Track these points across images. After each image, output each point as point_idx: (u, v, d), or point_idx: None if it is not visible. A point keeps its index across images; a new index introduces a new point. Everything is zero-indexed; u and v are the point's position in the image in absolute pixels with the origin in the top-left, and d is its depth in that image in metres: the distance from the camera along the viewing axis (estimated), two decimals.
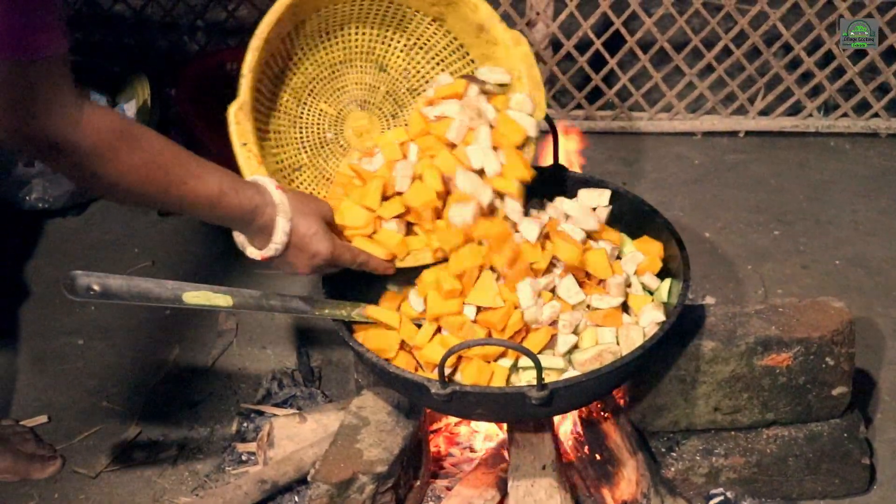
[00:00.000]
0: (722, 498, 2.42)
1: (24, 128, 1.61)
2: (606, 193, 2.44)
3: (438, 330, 2.18)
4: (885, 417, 2.73)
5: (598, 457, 2.40)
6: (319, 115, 2.39)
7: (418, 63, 2.46)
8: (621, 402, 2.45)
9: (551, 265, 2.22)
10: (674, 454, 2.42)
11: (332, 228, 2.13)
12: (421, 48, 2.45)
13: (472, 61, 2.42)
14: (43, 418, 2.76)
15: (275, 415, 2.68)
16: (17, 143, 1.64)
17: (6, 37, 1.54)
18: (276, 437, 2.50)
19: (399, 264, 2.26)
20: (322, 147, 2.41)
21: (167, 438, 2.71)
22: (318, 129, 2.40)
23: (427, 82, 2.46)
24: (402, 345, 2.20)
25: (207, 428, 2.73)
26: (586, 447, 2.45)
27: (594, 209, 2.42)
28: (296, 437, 2.50)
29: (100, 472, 2.61)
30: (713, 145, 4.04)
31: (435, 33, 2.42)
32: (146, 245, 3.49)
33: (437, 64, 2.46)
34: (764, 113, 4.09)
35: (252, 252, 2.03)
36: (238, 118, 2.12)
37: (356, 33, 2.38)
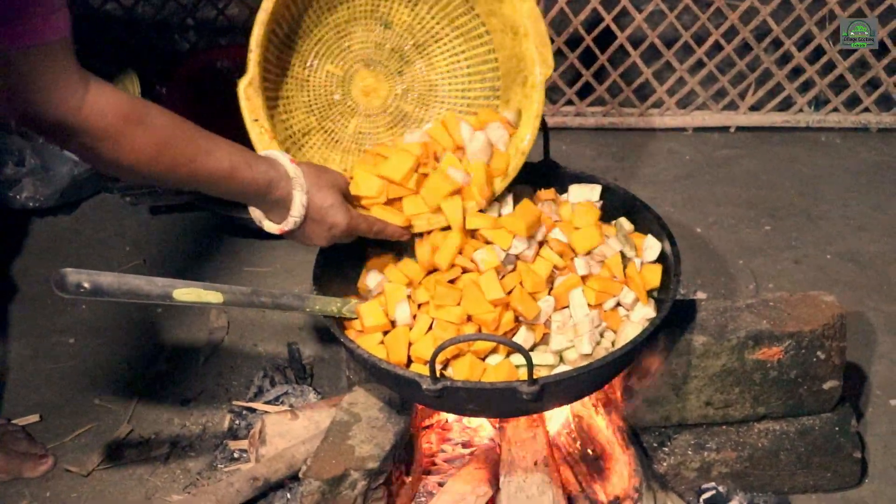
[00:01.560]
0: (714, 492, 2.42)
1: (28, 111, 1.64)
2: (597, 189, 2.44)
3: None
4: (876, 411, 2.73)
5: (589, 452, 2.40)
6: (326, 76, 2.39)
7: (423, 18, 2.44)
8: (613, 397, 2.45)
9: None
10: (665, 449, 2.42)
11: (348, 199, 2.16)
12: (426, 3, 2.44)
13: (478, 16, 2.42)
14: (35, 417, 2.76)
15: (266, 412, 2.68)
16: (24, 125, 1.68)
17: (5, 22, 1.55)
18: (268, 434, 2.50)
19: (415, 230, 2.29)
20: (330, 108, 2.41)
21: (159, 436, 2.71)
22: (326, 90, 2.40)
23: (433, 37, 2.47)
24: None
25: (199, 426, 2.73)
26: (578, 442, 2.45)
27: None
28: (287, 434, 2.50)
29: (92, 471, 2.60)
30: (704, 141, 4.04)
31: None
32: (137, 243, 3.48)
33: (442, 18, 2.45)
34: (755, 108, 4.09)
35: (270, 226, 2.07)
36: (248, 94, 2.14)
37: None
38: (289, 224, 2.04)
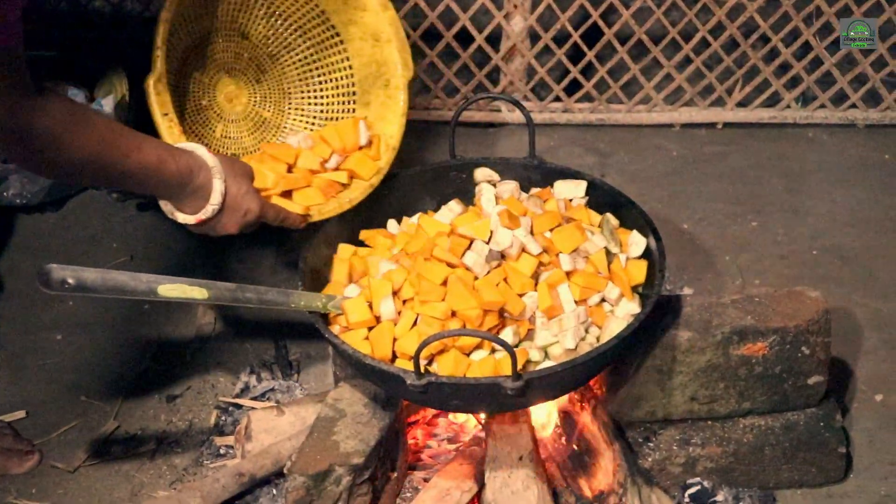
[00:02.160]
0: (699, 487, 2.43)
1: None
2: (582, 184, 2.44)
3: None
4: (861, 406, 2.74)
5: (574, 447, 2.41)
6: (194, 82, 2.51)
7: (277, 30, 2.62)
8: (598, 392, 2.45)
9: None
10: (651, 444, 2.42)
11: None
12: (280, 16, 2.60)
13: (333, 26, 2.60)
14: (21, 413, 2.75)
15: (253, 408, 2.68)
16: None
17: None
18: (254, 430, 2.50)
19: (311, 219, 2.39)
20: (198, 113, 2.53)
21: (145, 432, 2.70)
22: (195, 96, 2.51)
23: (285, 48, 2.64)
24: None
25: (185, 422, 2.73)
26: (563, 438, 2.45)
27: (570, 200, 2.43)
28: (273, 430, 2.50)
29: (78, 467, 2.60)
30: (691, 137, 4.04)
31: (296, 1, 2.58)
32: (124, 240, 3.47)
33: (297, 30, 2.63)
34: (742, 104, 4.09)
35: (184, 218, 2.13)
36: (157, 89, 2.23)
37: (222, 3, 2.50)
38: (207, 212, 2.11)
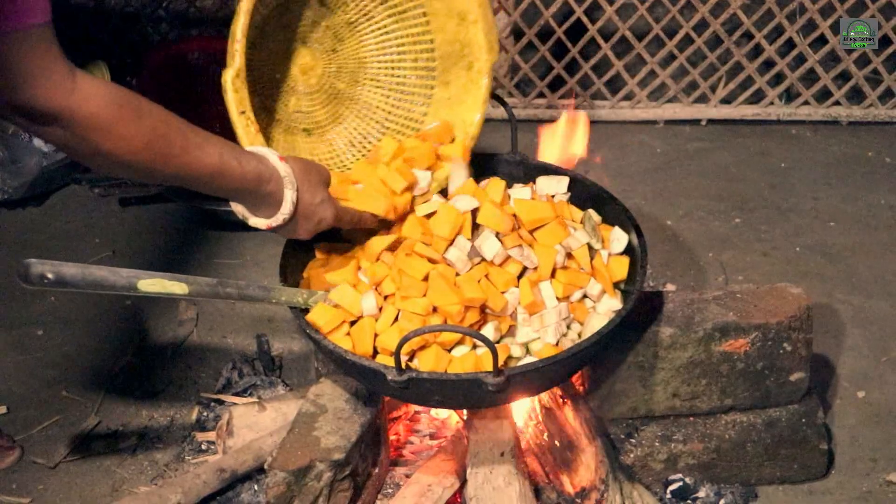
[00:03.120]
0: (681, 483, 2.43)
1: (12, 98, 1.61)
2: (565, 181, 2.44)
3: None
4: (843, 403, 2.74)
5: (556, 443, 2.40)
6: (269, 55, 2.36)
7: None
8: (580, 388, 2.45)
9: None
10: (633, 440, 2.42)
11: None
12: None
13: None
14: (1, 408, 2.75)
15: (234, 403, 2.68)
16: (8, 114, 1.64)
17: None
18: (236, 425, 2.49)
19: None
20: (271, 87, 2.40)
21: (126, 428, 2.70)
22: (269, 69, 2.38)
23: (364, 15, 2.46)
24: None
25: (167, 417, 2.73)
26: (545, 434, 2.45)
27: (553, 196, 2.42)
28: (255, 425, 2.50)
29: (58, 462, 2.60)
30: (675, 133, 4.05)
31: None
32: (106, 236, 3.47)
33: None
34: (726, 101, 4.10)
35: (256, 222, 2.04)
36: (235, 85, 2.08)
37: None
38: (277, 220, 2.02)
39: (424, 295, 2.13)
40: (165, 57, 3.76)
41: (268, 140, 2.29)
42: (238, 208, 2.04)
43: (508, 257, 2.20)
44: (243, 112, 2.09)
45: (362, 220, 2.23)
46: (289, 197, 2.00)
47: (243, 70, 2.09)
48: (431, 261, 2.19)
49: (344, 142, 2.49)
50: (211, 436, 2.63)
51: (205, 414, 2.71)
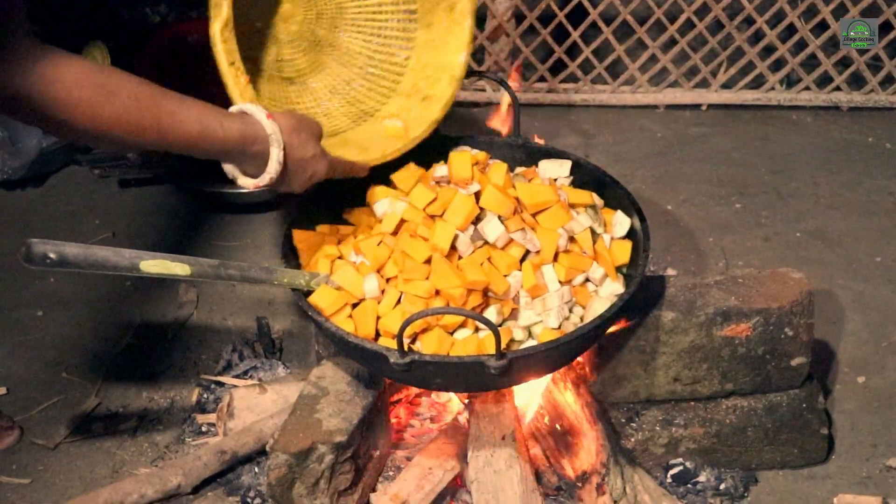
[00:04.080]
0: (681, 468, 2.43)
1: None
2: (567, 164, 2.44)
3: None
4: (843, 388, 2.74)
5: (557, 427, 2.41)
6: (251, 3, 2.33)
7: None
8: (581, 372, 2.45)
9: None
10: (633, 425, 2.42)
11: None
12: None
13: None
14: (2, 389, 2.75)
15: (235, 386, 2.67)
16: None
17: None
18: (236, 407, 2.49)
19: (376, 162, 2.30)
20: (253, 37, 2.38)
21: (127, 410, 2.70)
22: (250, 19, 2.35)
23: None
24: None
25: (167, 399, 2.73)
26: (546, 418, 2.45)
27: (555, 180, 2.42)
28: (256, 407, 2.50)
29: (59, 444, 2.60)
30: (676, 118, 4.05)
31: None
32: (106, 217, 3.46)
33: None
34: (726, 86, 4.09)
35: (244, 181, 2.03)
36: (224, 36, 2.06)
37: None
38: (264, 180, 2.01)
39: (427, 278, 2.13)
40: (165, 38, 3.74)
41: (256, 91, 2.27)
42: (228, 168, 2.03)
43: (511, 240, 2.19)
44: (233, 63, 2.08)
45: (353, 168, 2.25)
46: (275, 156, 1.99)
47: (231, 20, 2.06)
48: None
49: (326, 89, 2.49)
50: (211, 418, 2.63)
51: (205, 396, 2.70)
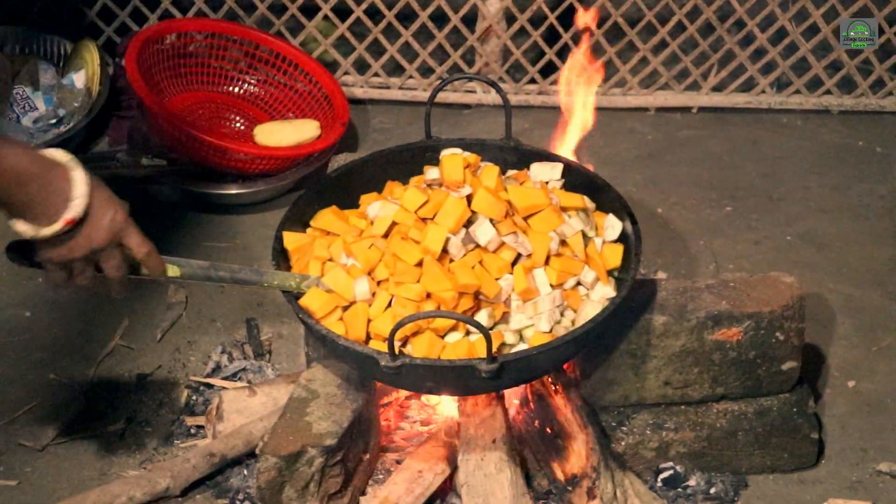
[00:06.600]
0: (671, 472, 2.43)
1: None
2: (559, 167, 2.43)
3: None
4: (834, 392, 2.74)
5: (548, 431, 2.40)
6: None
7: None
8: (572, 376, 2.45)
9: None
10: (624, 428, 2.42)
11: None
12: None
13: None
14: None
15: (224, 388, 2.66)
16: None
17: None
18: (226, 410, 2.49)
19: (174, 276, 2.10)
20: None
21: (115, 412, 2.69)
22: None
23: None
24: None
25: (156, 401, 2.71)
26: (536, 421, 2.45)
27: (546, 183, 2.41)
28: (245, 410, 2.49)
29: (46, 445, 2.58)
30: (666, 121, 4.04)
31: None
32: None
33: None
34: (717, 89, 4.09)
35: (47, 230, 1.74)
36: None
37: None
38: (75, 209, 1.71)
39: (418, 281, 2.12)
40: (153, 36, 3.72)
41: None
42: (18, 225, 1.77)
43: (502, 244, 2.19)
44: None
45: (151, 255, 2.00)
46: (78, 178, 1.72)
47: None
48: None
49: None
50: (200, 420, 2.62)
51: (194, 398, 2.70)
